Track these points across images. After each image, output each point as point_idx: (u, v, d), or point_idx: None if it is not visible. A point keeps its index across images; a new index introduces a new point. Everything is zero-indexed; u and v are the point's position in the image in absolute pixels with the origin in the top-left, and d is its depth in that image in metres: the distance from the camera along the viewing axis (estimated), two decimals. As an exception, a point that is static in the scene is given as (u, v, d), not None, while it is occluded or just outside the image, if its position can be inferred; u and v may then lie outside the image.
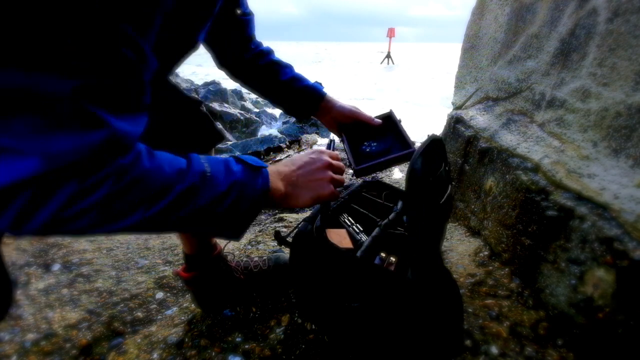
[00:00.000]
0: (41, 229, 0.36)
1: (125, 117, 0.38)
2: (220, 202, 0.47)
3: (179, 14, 0.51)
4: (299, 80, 0.90)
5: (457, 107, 1.53)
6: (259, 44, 0.89)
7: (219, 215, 0.48)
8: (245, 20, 0.83)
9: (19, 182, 0.32)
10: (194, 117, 0.76)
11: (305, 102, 0.91)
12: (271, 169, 0.56)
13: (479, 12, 1.42)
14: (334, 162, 0.63)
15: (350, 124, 0.93)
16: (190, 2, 0.54)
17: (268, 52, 0.90)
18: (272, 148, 3.25)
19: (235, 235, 0.53)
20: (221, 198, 0.47)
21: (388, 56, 31.75)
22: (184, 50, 0.63)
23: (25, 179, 0.32)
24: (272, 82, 0.89)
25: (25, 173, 0.32)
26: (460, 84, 1.55)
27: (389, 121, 0.93)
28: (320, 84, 0.98)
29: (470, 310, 0.90)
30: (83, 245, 1.33)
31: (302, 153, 0.63)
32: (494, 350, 0.79)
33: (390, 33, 29.63)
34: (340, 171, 0.63)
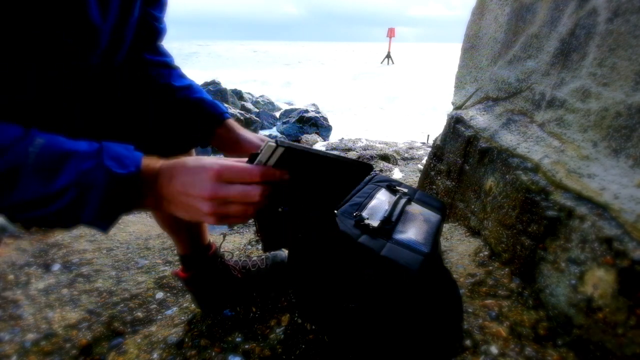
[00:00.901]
0: None
1: None
2: (44, 202, 0.40)
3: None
4: (194, 100, 0.72)
5: (457, 107, 1.53)
6: (164, 56, 0.74)
7: (50, 213, 0.40)
8: (158, 28, 0.70)
9: None
10: (181, 116, 0.72)
11: (194, 124, 0.72)
12: (147, 173, 0.44)
13: (479, 12, 1.42)
14: (235, 178, 0.44)
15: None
16: None
17: (170, 69, 0.73)
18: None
19: (71, 226, 0.44)
20: (47, 199, 0.39)
21: (388, 56, 31.81)
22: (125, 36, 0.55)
23: None
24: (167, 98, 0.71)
25: None
26: (460, 84, 1.55)
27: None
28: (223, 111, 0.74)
29: (470, 310, 0.90)
30: (83, 245, 1.33)
31: (208, 161, 0.45)
32: (494, 350, 0.79)
33: (390, 33, 29.69)
34: (249, 196, 0.44)
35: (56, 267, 1.21)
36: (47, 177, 0.39)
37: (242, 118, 6.72)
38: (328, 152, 0.56)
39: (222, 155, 0.69)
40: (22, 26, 0.41)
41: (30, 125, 0.41)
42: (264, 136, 0.72)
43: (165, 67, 0.72)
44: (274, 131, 7.27)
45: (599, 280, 0.73)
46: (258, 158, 0.45)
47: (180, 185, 0.43)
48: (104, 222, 0.43)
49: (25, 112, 0.48)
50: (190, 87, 0.73)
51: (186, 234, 0.88)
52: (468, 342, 0.81)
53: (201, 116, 0.71)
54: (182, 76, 0.75)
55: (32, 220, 0.42)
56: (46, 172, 0.39)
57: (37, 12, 0.42)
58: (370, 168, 0.58)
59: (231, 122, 0.73)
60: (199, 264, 0.91)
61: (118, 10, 0.54)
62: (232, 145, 0.72)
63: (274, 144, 0.43)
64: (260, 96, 10.06)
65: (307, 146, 0.50)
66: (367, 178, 1.00)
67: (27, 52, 0.43)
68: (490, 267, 1.05)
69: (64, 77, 0.49)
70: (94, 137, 0.44)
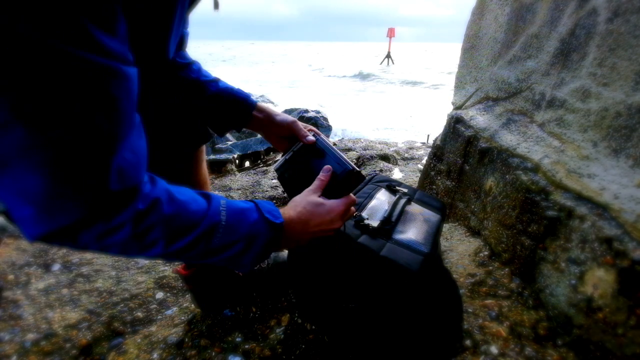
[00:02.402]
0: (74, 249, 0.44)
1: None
2: (229, 247, 0.52)
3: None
4: (226, 91, 0.82)
5: (457, 107, 1.53)
6: (188, 58, 0.82)
7: (228, 257, 0.53)
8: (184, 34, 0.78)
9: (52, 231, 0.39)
10: (183, 118, 0.77)
11: (234, 112, 0.82)
12: (287, 225, 0.58)
13: (479, 12, 1.42)
14: (349, 210, 0.65)
15: (288, 138, 0.82)
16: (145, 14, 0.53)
17: (195, 66, 0.82)
18: (272, 148, 3.25)
19: (243, 270, 0.60)
20: (230, 245, 0.52)
21: (388, 56, 31.78)
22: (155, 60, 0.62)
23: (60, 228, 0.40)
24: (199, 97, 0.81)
25: (62, 223, 0.39)
26: (460, 84, 1.55)
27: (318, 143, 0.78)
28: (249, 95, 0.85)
29: (470, 310, 0.90)
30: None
31: (315, 208, 0.62)
32: (494, 350, 0.79)
33: (390, 33, 29.66)
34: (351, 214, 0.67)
35: (56, 267, 1.21)
36: (231, 232, 0.52)
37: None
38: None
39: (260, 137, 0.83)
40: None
41: None
42: (291, 116, 0.82)
43: (192, 65, 0.82)
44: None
45: (599, 280, 0.73)
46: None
47: (315, 226, 0.61)
48: (254, 264, 0.57)
49: None
50: (216, 80, 0.83)
51: None
52: (468, 342, 0.81)
53: (237, 104, 0.81)
54: (204, 71, 0.83)
55: (199, 261, 0.53)
56: (230, 228, 0.52)
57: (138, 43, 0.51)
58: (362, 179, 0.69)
59: (261, 105, 0.84)
60: None
61: (177, 40, 0.66)
62: (267, 127, 0.82)
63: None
64: (261, 96, 10.06)
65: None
66: (367, 178, 1.00)
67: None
68: (490, 267, 1.05)
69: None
70: (156, 132, 0.54)
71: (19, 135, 0.34)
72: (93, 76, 0.36)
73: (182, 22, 0.63)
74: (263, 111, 0.82)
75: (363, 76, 19.43)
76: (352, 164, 0.66)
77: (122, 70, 0.38)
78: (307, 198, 0.63)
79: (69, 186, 0.38)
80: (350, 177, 0.66)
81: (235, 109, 0.81)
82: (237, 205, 0.54)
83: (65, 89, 0.34)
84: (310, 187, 0.65)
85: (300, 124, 0.80)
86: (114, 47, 0.37)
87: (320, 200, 0.63)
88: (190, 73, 0.80)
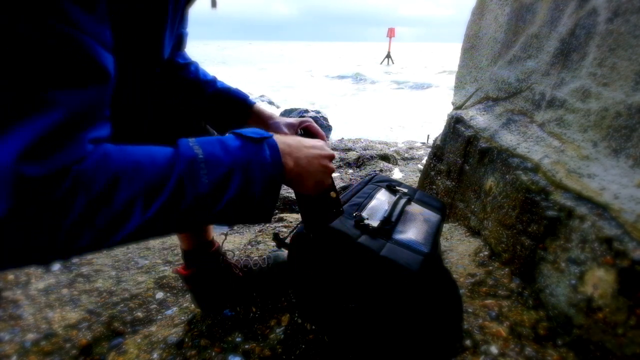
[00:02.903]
0: (44, 259, 0.36)
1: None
2: (223, 188, 0.43)
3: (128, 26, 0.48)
4: (224, 91, 0.82)
5: (457, 107, 1.53)
6: (187, 58, 0.83)
7: (229, 203, 0.43)
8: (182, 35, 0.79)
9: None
10: (182, 118, 0.77)
11: (232, 113, 0.81)
12: (278, 139, 0.51)
13: (479, 12, 1.42)
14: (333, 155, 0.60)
15: None
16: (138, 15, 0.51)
17: (194, 66, 0.82)
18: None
19: (260, 220, 0.49)
20: (223, 183, 0.43)
21: (388, 56, 31.80)
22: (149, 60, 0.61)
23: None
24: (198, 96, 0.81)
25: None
26: (460, 84, 1.55)
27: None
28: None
29: (470, 310, 0.90)
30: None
31: (298, 137, 0.58)
32: (494, 350, 0.79)
33: (390, 33, 29.67)
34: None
35: (56, 267, 1.21)
36: (216, 164, 0.43)
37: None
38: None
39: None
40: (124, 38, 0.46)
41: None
42: (286, 118, 0.82)
43: (190, 65, 0.81)
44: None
45: (599, 280, 0.73)
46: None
47: (318, 149, 0.56)
48: (271, 198, 0.48)
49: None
50: (214, 80, 0.82)
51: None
52: (468, 342, 0.81)
53: (235, 104, 0.80)
54: (202, 71, 0.82)
55: (207, 219, 0.45)
56: (213, 160, 0.43)
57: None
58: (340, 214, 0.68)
59: (258, 107, 0.83)
60: (201, 260, 0.91)
61: (173, 40, 0.63)
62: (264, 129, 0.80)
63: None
64: (260, 96, 10.07)
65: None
66: (366, 178, 1.00)
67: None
68: (490, 267, 1.05)
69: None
70: (155, 133, 0.51)
71: None
72: (57, 44, 0.33)
73: (179, 22, 0.63)
74: (258, 116, 0.82)
75: (361, 77, 19.44)
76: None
77: (90, 45, 0.35)
78: None
79: None
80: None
81: (233, 110, 0.81)
82: (211, 138, 0.47)
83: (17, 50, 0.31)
84: None
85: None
86: (85, 23, 0.35)
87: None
88: (189, 73, 0.80)
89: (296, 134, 0.81)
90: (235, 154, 0.45)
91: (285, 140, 0.52)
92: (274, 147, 0.48)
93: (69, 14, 0.33)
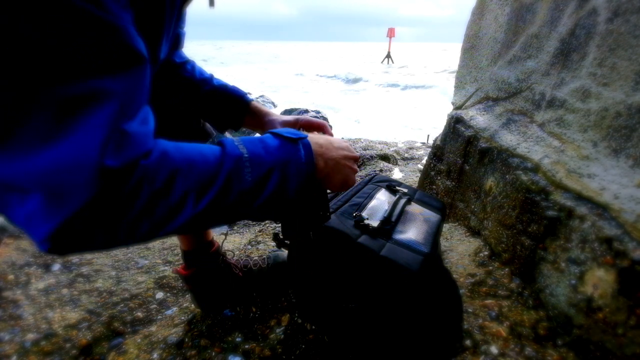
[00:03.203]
0: (105, 245, 0.39)
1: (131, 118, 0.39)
2: (263, 185, 0.46)
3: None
4: (220, 89, 0.81)
5: (457, 107, 1.53)
6: (184, 57, 0.82)
7: (267, 199, 0.47)
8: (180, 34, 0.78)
9: (67, 221, 0.34)
10: (181, 117, 0.77)
11: (228, 110, 0.82)
12: (311, 139, 0.54)
13: (479, 12, 1.42)
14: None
15: None
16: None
17: (190, 65, 0.82)
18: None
19: (291, 216, 0.54)
20: (264, 180, 0.46)
21: (388, 56, 31.83)
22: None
23: (79, 210, 0.35)
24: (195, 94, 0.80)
25: (76, 206, 0.35)
26: (460, 84, 1.55)
27: None
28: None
29: (470, 310, 0.90)
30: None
31: (327, 136, 0.62)
32: (494, 350, 0.79)
33: (390, 33, 29.70)
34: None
35: (56, 267, 1.21)
36: (259, 162, 0.46)
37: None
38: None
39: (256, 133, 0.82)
40: None
41: None
42: (282, 115, 0.81)
43: (186, 64, 0.81)
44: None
45: (599, 280, 0.73)
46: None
47: (345, 150, 0.59)
48: (301, 193, 0.50)
49: None
50: (211, 78, 0.82)
51: None
52: (468, 342, 0.81)
53: (231, 102, 0.80)
54: (199, 69, 0.82)
55: (248, 214, 0.48)
56: (256, 158, 0.46)
57: None
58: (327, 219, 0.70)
59: (255, 104, 0.82)
60: (201, 260, 0.91)
61: (170, 40, 0.64)
62: (261, 127, 0.82)
63: None
64: (260, 96, 10.06)
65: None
66: (366, 178, 1.00)
67: None
68: (490, 267, 1.05)
69: None
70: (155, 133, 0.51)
71: (12, 95, 0.31)
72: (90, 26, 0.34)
73: (176, 21, 0.63)
74: (255, 114, 0.82)
75: (357, 77, 19.42)
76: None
77: (126, 29, 0.36)
78: None
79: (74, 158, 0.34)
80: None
81: (230, 107, 0.81)
82: (252, 138, 0.50)
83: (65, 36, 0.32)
84: None
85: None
86: (116, 10, 0.36)
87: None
88: (185, 72, 0.79)
89: None
90: (275, 153, 0.48)
91: (317, 141, 0.56)
92: (307, 147, 0.52)
93: (103, 2, 0.34)
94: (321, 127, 0.79)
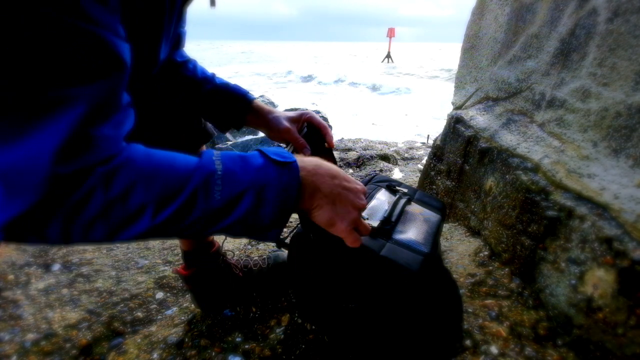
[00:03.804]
0: (61, 241, 0.39)
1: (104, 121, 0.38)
2: (233, 205, 0.43)
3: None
4: (222, 87, 0.81)
5: (457, 107, 1.53)
6: (185, 56, 0.82)
7: (236, 221, 0.44)
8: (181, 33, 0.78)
9: (15, 218, 0.35)
10: (182, 117, 0.77)
11: (230, 110, 0.80)
12: (302, 164, 0.49)
13: (479, 12, 1.42)
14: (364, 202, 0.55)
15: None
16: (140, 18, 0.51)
17: (191, 64, 0.81)
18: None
19: (265, 240, 0.49)
20: (234, 201, 0.43)
21: (388, 56, 31.85)
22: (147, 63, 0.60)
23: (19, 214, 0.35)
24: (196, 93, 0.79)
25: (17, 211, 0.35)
26: (460, 84, 1.55)
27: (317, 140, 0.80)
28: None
29: (470, 310, 0.90)
30: (83, 245, 1.33)
31: (323, 161, 0.54)
32: (494, 350, 0.79)
33: (390, 33, 29.75)
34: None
35: (56, 267, 1.21)
36: (233, 181, 0.43)
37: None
38: None
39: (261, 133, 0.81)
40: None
41: None
42: (285, 121, 0.79)
43: (188, 63, 0.80)
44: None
45: (599, 280, 0.73)
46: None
47: (343, 180, 0.52)
48: (278, 224, 0.47)
49: None
50: (212, 77, 0.81)
51: None
52: (468, 342, 0.81)
53: (233, 101, 0.79)
54: (200, 68, 0.82)
55: (210, 230, 0.45)
56: (230, 177, 0.43)
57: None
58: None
59: (257, 102, 0.81)
60: (201, 260, 0.91)
61: (171, 40, 0.63)
62: (264, 125, 0.80)
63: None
64: (260, 96, 10.06)
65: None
66: (366, 178, 1.00)
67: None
68: (490, 267, 1.05)
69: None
70: (149, 134, 0.50)
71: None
72: (77, 40, 0.34)
73: (177, 21, 0.63)
74: (258, 112, 0.80)
75: (358, 78, 19.39)
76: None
77: (108, 38, 0.36)
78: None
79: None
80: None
81: (232, 106, 0.80)
82: (235, 154, 0.46)
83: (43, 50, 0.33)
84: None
85: (295, 134, 0.76)
86: (100, 16, 0.36)
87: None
88: (186, 71, 0.79)
89: (300, 128, 0.80)
90: (253, 174, 0.45)
91: (308, 167, 0.50)
92: (294, 172, 0.47)
93: (84, 9, 0.34)
94: (322, 128, 0.79)
